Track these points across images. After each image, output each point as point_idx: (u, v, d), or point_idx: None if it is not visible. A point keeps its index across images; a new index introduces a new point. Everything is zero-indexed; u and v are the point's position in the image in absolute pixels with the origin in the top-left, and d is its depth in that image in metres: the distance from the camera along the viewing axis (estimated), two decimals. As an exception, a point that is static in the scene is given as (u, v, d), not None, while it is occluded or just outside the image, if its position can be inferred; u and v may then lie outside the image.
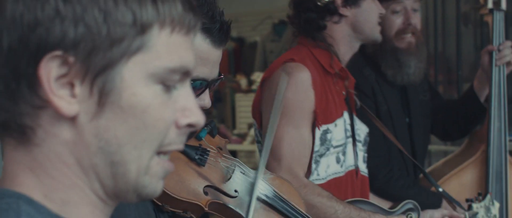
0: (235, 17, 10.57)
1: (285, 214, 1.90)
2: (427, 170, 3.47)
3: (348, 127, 2.66)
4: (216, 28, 1.65)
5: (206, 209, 1.71)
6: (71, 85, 0.91)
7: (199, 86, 1.63)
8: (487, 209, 2.86)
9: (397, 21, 3.05)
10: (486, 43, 3.66)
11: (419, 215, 2.73)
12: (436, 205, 2.88)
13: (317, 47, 2.66)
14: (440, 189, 2.90)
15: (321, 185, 2.54)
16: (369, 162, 2.85)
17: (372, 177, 2.88)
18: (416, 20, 3.11)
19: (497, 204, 2.89)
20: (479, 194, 2.89)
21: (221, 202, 1.76)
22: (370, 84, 2.97)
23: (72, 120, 0.92)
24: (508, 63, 3.20)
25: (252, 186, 1.72)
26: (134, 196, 0.98)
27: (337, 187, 2.61)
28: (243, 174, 1.84)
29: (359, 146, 2.74)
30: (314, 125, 2.54)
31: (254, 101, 2.67)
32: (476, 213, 2.83)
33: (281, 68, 2.54)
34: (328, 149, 2.58)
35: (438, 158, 4.88)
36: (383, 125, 2.91)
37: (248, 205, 1.63)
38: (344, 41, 2.69)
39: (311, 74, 2.53)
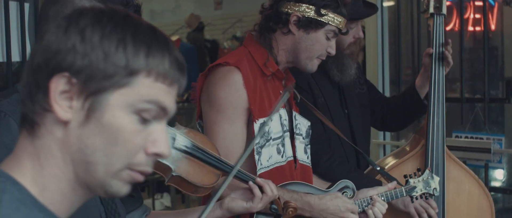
0: (239, 17, 10.58)
1: (204, 159, 2.18)
2: (377, 162, 3.51)
3: (285, 122, 2.72)
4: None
5: None
6: (71, 100, 1.15)
7: None
8: (426, 183, 2.88)
9: (350, 36, 3.13)
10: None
11: (354, 193, 2.77)
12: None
13: (258, 46, 2.73)
14: (377, 168, 2.94)
15: (264, 173, 2.63)
16: (310, 150, 2.91)
17: (315, 164, 2.94)
18: (361, 33, 3.22)
19: (436, 178, 2.91)
20: (418, 170, 2.92)
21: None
22: (306, 79, 3.01)
23: (65, 124, 1.16)
24: (447, 64, 3.24)
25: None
26: (101, 191, 1.20)
27: (279, 174, 2.68)
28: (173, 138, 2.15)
29: (300, 138, 2.81)
30: (250, 121, 2.62)
31: (197, 100, 2.75)
32: (414, 187, 2.86)
33: (216, 70, 2.64)
34: (267, 141, 2.65)
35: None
36: (322, 114, 2.96)
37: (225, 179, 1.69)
38: (283, 53, 2.74)
39: (243, 75, 2.61)
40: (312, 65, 2.76)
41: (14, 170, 1.18)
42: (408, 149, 3.40)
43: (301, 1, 2.69)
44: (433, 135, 3.22)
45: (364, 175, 3.09)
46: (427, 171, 2.90)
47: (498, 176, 4.80)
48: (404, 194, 2.84)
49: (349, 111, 3.21)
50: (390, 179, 2.93)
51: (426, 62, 3.29)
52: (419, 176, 2.89)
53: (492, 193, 4.79)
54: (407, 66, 4.95)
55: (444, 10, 3.30)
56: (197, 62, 8.99)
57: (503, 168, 4.29)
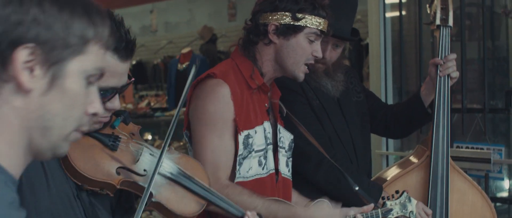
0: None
1: (189, 187, 2.06)
2: (380, 172, 3.38)
3: (268, 135, 2.64)
4: (123, 46, 1.82)
5: (118, 186, 1.91)
6: (31, 70, 1.15)
7: (110, 93, 1.83)
8: (403, 206, 2.76)
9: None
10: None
11: None
12: (375, 197, 2.87)
13: (244, 59, 2.64)
14: (356, 188, 2.81)
15: (244, 183, 2.55)
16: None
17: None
18: (333, 54, 3.05)
19: (414, 201, 2.80)
20: (397, 192, 2.80)
21: (131, 180, 1.94)
22: (298, 83, 2.85)
23: (26, 93, 1.16)
24: (451, 75, 3.11)
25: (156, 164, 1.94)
26: (50, 154, 1.23)
27: (260, 186, 2.60)
28: (152, 155, 2.00)
29: (283, 151, 2.73)
30: (236, 132, 2.54)
31: (185, 111, 2.66)
32: (390, 210, 2.74)
33: (203, 83, 2.57)
34: (250, 152, 2.57)
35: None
36: (305, 129, 2.84)
37: (150, 179, 1.88)
38: (267, 63, 2.65)
39: (230, 88, 2.54)
40: (299, 72, 2.65)
41: None
42: (412, 159, 3.28)
43: (277, 10, 2.60)
44: (438, 146, 3.11)
45: (365, 178, 3.01)
46: (404, 194, 2.79)
47: (506, 186, 4.67)
48: (380, 216, 2.72)
49: (347, 119, 3.09)
50: (368, 199, 2.81)
51: (431, 72, 3.15)
52: (397, 198, 2.77)
53: (499, 204, 4.65)
54: (410, 77, 4.81)
55: (451, 22, 3.17)
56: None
57: (502, 179, 4.16)
